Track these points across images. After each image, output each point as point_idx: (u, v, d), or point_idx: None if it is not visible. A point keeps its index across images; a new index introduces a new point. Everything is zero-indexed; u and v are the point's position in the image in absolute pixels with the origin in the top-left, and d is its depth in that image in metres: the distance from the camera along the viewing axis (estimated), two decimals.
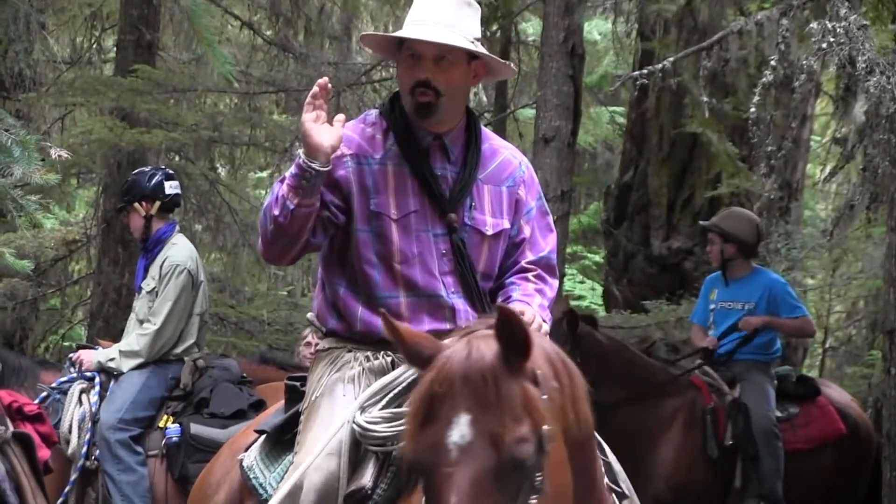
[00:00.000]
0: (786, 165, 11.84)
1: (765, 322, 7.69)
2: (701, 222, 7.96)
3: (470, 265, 3.59)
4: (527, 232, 3.73)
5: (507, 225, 3.67)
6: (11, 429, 4.42)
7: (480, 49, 3.60)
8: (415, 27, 3.55)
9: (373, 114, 3.66)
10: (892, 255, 7.83)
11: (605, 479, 3.21)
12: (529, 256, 3.72)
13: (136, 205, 6.76)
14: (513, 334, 2.61)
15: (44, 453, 4.58)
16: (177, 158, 10.97)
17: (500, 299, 3.63)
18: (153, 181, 6.80)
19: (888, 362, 7.82)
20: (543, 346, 2.76)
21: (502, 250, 3.68)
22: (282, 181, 3.41)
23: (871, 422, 8.59)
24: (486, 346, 2.63)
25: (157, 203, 6.79)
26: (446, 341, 2.75)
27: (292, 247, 3.49)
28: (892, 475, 7.69)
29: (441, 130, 3.62)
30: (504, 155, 3.74)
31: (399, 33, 3.56)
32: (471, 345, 2.65)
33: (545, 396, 2.63)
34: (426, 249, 3.55)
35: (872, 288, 12.26)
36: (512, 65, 3.87)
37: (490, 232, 3.63)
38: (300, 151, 3.38)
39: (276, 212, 3.39)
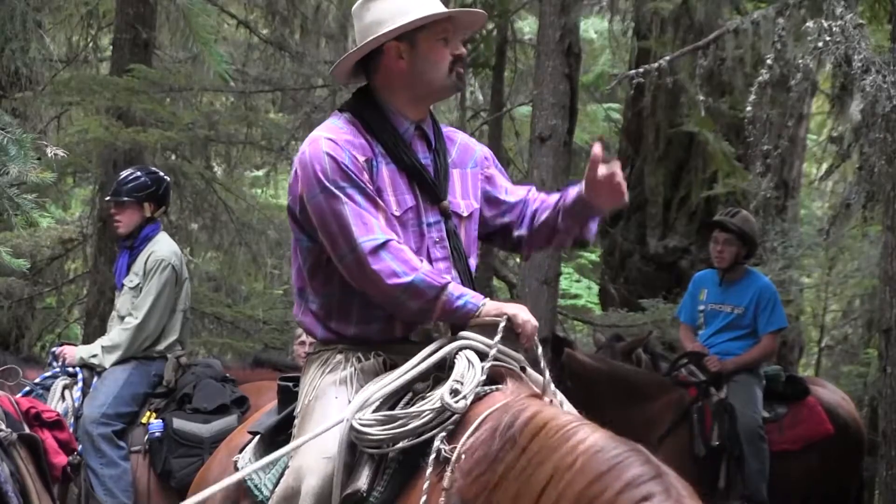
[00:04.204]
0: (782, 164, 11.86)
1: (730, 364, 7.66)
2: (723, 220, 7.91)
3: (462, 248, 3.64)
4: (512, 184, 3.89)
5: (476, 205, 3.74)
6: (25, 431, 4.44)
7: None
8: (426, 9, 3.56)
9: (341, 118, 3.63)
10: (888, 253, 7.83)
11: None
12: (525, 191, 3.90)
13: (145, 203, 6.83)
14: None
15: (60, 459, 4.60)
16: (173, 157, 10.97)
17: (540, 214, 3.78)
18: (165, 186, 6.95)
19: (884, 361, 7.82)
20: None
21: (475, 230, 3.75)
22: (440, 287, 3.41)
23: (862, 421, 8.58)
24: None
25: (163, 208, 6.97)
26: None
27: None
28: (888, 474, 7.69)
29: (422, 117, 3.67)
30: (461, 139, 3.83)
31: (435, 14, 3.56)
32: None
33: None
34: (422, 244, 3.57)
35: (868, 286, 12.26)
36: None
37: (465, 213, 3.70)
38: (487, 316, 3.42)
39: (414, 307, 3.42)
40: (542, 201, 3.83)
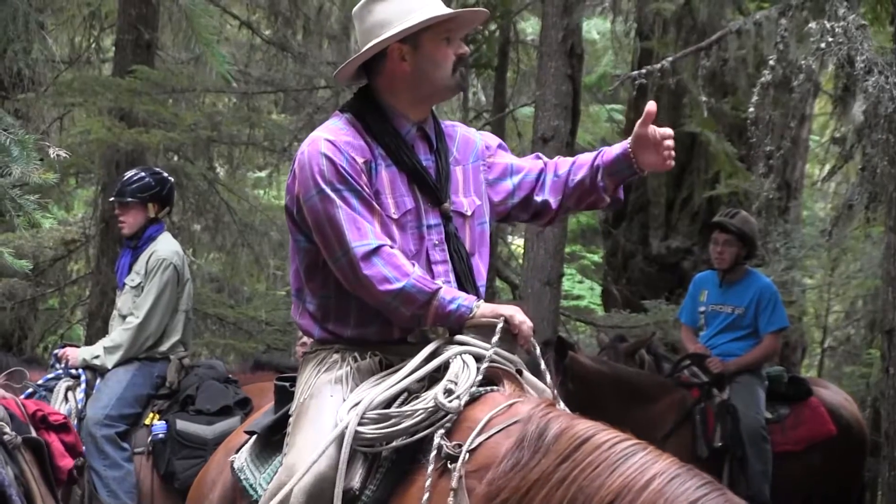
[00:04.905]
0: (784, 165, 11.84)
1: (732, 366, 7.66)
2: (722, 220, 7.91)
3: (462, 250, 3.62)
4: (518, 159, 3.87)
5: (479, 202, 3.71)
6: (31, 433, 4.44)
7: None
8: (429, 10, 3.55)
9: (342, 118, 3.62)
10: (890, 254, 7.83)
11: None
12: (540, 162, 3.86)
13: (149, 204, 6.83)
14: None
15: (66, 462, 4.60)
16: (175, 158, 10.98)
17: (574, 175, 3.74)
18: (169, 186, 6.95)
19: (887, 361, 7.81)
20: None
21: (479, 226, 3.71)
22: (432, 293, 3.40)
23: (865, 422, 8.58)
24: None
25: (167, 209, 6.96)
26: None
27: None
28: (890, 474, 7.68)
29: (424, 117, 3.65)
30: (460, 132, 3.80)
31: (440, 15, 3.55)
32: None
33: None
34: (421, 247, 3.56)
35: (871, 287, 12.25)
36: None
37: (468, 212, 3.68)
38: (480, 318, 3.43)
39: (406, 312, 3.42)
40: (571, 163, 3.80)
